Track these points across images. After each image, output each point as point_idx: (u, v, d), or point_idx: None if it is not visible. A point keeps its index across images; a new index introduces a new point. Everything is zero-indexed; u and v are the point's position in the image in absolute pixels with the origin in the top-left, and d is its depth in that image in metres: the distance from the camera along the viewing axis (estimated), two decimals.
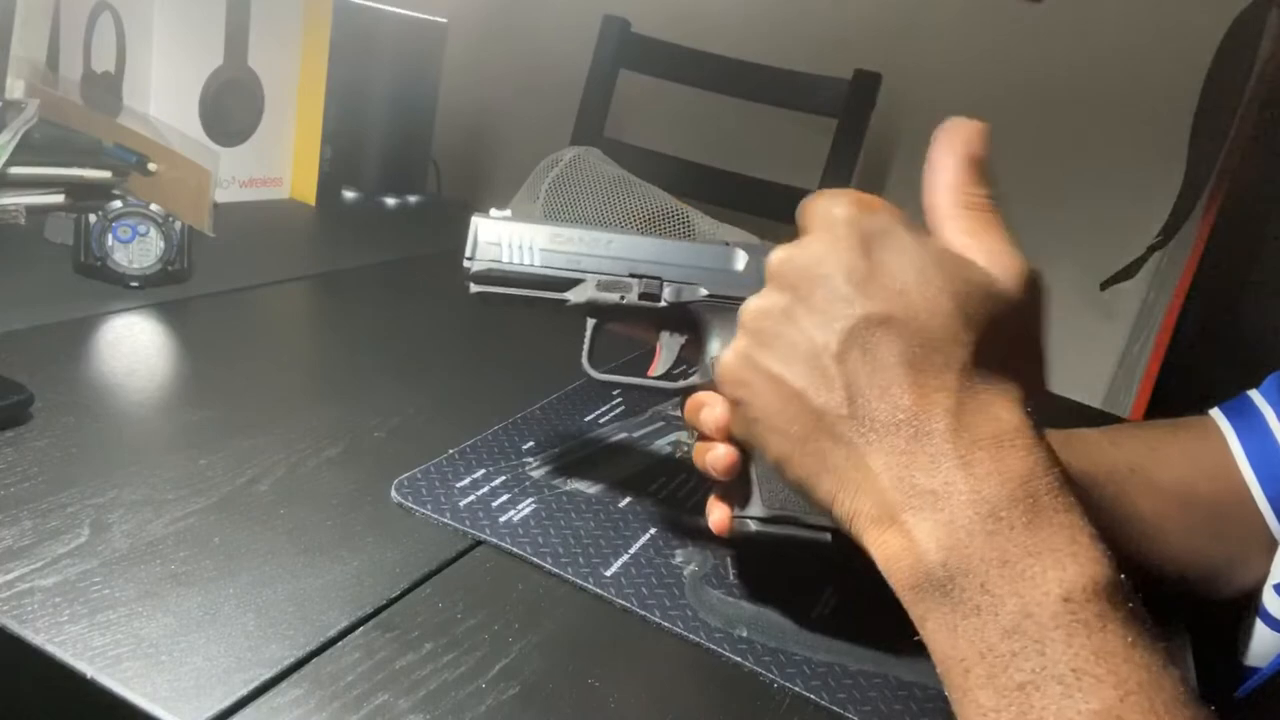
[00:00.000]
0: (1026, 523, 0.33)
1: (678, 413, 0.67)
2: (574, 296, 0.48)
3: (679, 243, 0.49)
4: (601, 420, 0.63)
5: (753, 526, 0.43)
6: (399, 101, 1.17)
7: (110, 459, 0.47)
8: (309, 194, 1.05)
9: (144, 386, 0.57)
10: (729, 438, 0.43)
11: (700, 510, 0.54)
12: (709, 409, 0.44)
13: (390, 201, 1.17)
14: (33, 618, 0.35)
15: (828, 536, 0.42)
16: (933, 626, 0.34)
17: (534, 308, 0.49)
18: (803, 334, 0.37)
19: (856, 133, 1.45)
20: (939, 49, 1.64)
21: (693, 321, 0.48)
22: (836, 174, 1.44)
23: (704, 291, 0.47)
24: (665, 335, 0.49)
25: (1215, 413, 0.60)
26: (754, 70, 1.48)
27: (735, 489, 0.44)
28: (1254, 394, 0.59)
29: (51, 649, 0.34)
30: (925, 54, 1.64)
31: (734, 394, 0.40)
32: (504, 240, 0.48)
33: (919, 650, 0.45)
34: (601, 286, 0.48)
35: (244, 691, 0.34)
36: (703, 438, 0.45)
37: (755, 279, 0.47)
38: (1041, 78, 1.58)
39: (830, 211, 0.38)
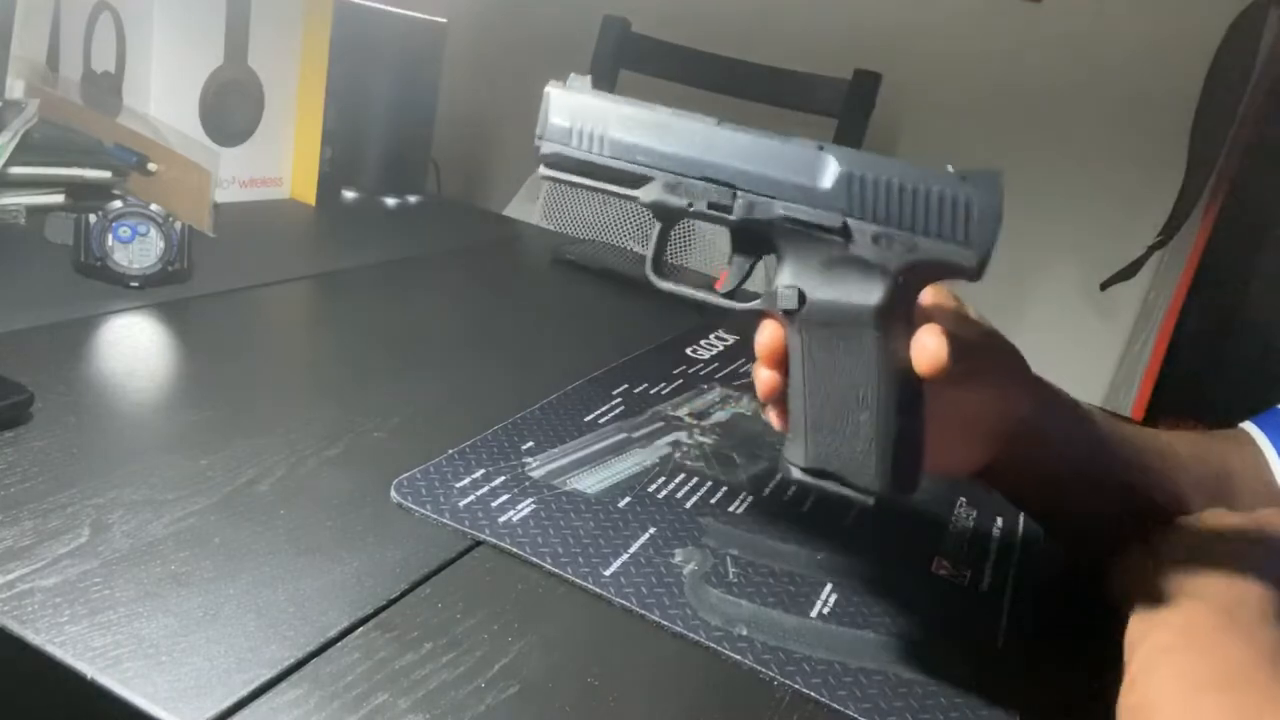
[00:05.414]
0: None
1: (677, 413, 0.67)
2: (643, 195, 0.43)
3: (763, 139, 0.42)
4: (601, 420, 0.63)
5: (795, 474, 0.43)
6: (399, 101, 1.17)
7: (110, 459, 0.47)
8: (309, 194, 1.05)
9: (144, 386, 0.57)
10: (776, 366, 0.44)
11: (700, 510, 0.55)
12: (759, 331, 0.44)
13: (390, 201, 1.17)
14: (33, 618, 0.35)
15: (871, 500, 0.42)
16: None
17: (603, 196, 0.47)
18: None
19: (856, 133, 1.45)
20: (939, 49, 1.64)
21: (764, 240, 0.43)
22: None
23: (780, 210, 0.41)
24: (737, 254, 0.44)
25: (1249, 425, 0.60)
26: (754, 70, 1.48)
27: (792, 424, 0.43)
28: None
29: (51, 649, 0.34)
30: (925, 54, 1.64)
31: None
32: (574, 123, 0.44)
33: (918, 648, 0.46)
34: (668, 189, 0.43)
35: (244, 692, 0.34)
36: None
37: (843, 199, 0.40)
38: (1041, 78, 1.58)
39: None
